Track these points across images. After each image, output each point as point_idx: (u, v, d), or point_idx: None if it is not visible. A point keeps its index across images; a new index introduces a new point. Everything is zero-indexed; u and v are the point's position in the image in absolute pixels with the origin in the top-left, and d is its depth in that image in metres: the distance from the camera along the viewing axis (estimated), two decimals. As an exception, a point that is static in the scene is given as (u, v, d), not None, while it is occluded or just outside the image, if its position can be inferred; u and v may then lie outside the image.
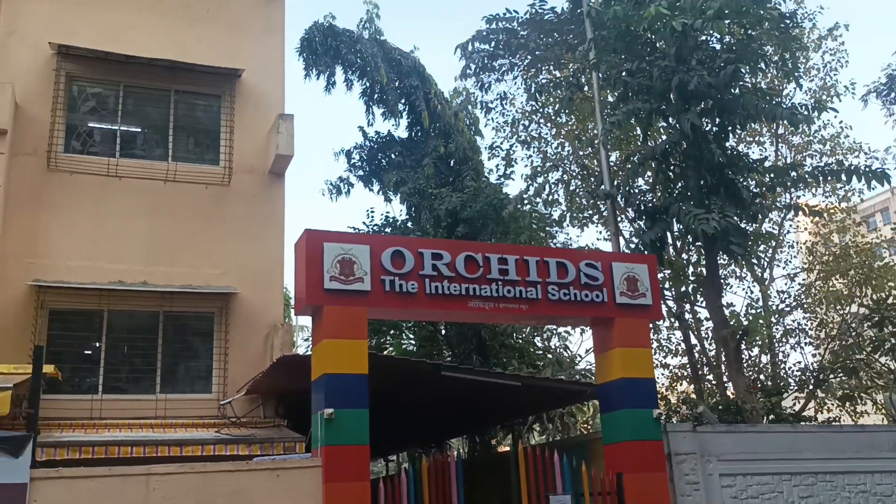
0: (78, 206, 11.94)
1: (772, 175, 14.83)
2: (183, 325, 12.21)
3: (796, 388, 18.77)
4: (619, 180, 16.03)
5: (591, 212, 20.86)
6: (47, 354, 9.46)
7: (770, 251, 21.14)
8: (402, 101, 19.10)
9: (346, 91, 19.30)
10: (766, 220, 19.56)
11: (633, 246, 17.39)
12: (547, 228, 20.27)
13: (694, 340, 19.87)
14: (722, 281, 17.95)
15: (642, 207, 15.44)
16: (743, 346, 15.52)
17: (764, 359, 20.01)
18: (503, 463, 10.32)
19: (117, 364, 11.73)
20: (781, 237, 21.41)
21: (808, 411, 18.61)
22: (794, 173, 14.84)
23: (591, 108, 17.62)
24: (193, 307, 12.11)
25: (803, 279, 21.62)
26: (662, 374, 21.10)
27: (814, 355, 20.46)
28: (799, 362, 22.28)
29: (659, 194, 15.89)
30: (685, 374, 20.96)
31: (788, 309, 20.44)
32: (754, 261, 19.15)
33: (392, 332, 20.16)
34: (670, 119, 14.32)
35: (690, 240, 15.04)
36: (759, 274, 21.00)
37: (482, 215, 17.60)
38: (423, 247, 9.44)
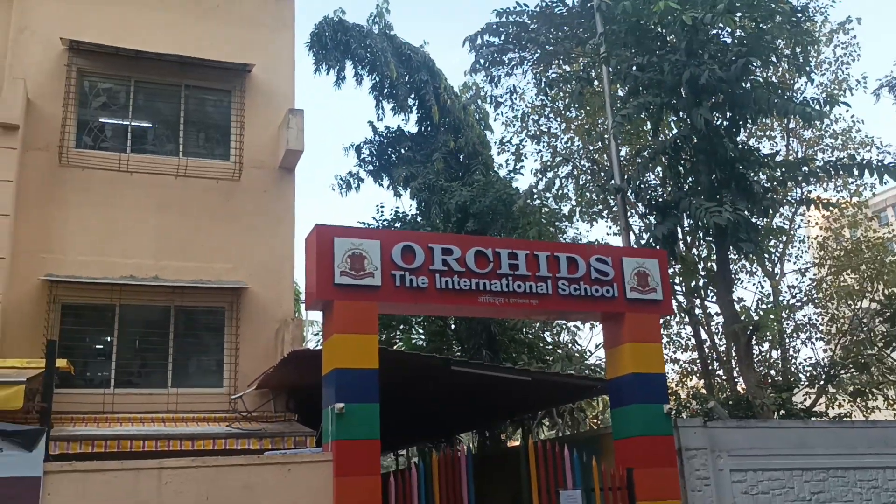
0: (90, 201, 11.98)
1: (783, 170, 14.77)
2: (194, 319, 12.25)
3: (807, 383, 18.73)
4: (630, 175, 15.99)
5: (600, 207, 20.82)
6: (60, 349, 9.54)
7: (781, 246, 21.07)
8: (412, 95, 19.10)
9: (356, 86, 19.36)
10: (777, 214, 19.48)
11: (643, 241, 17.36)
12: (556, 223, 20.25)
13: (704, 335, 19.84)
14: (733, 276, 17.89)
15: (653, 202, 15.40)
16: (754, 342, 15.48)
17: (775, 354, 19.97)
18: (513, 457, 10.31)
19: (129, 358, 11.78)
20: (792, 232, 21.33)
21: (818, 407, 18.57)
22: (805, 168, 14.78)
23: (600, 103, 17.59)
24: (204, 302, 12.15)
25: (814, 274, 21.54)
26: (672, 370, 21.10)
27: (825, 351, 20.40)
28: (810, 357, 22.32)
29: (669, 189, 15.84)
30: (695, 369, 20.94)
31: (799, 304, 20.38)
32: (765, 256, 19.08)
33: (401, 326, 20.20)
34: (681, 113, 14.27)
35: (701, 235, 14.99)
36: (770, 269, 20.93)
37: (492, 210, 17.60)
38: (434, 242, 9.45)
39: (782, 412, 13.83)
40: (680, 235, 17.14)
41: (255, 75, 13.21)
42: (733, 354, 16.80)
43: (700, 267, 17.80)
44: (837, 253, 21.13)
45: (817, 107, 13.42)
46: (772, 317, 16.36)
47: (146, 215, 12.14)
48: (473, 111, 20.01)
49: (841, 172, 14.97)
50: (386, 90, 19.18)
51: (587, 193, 20.71)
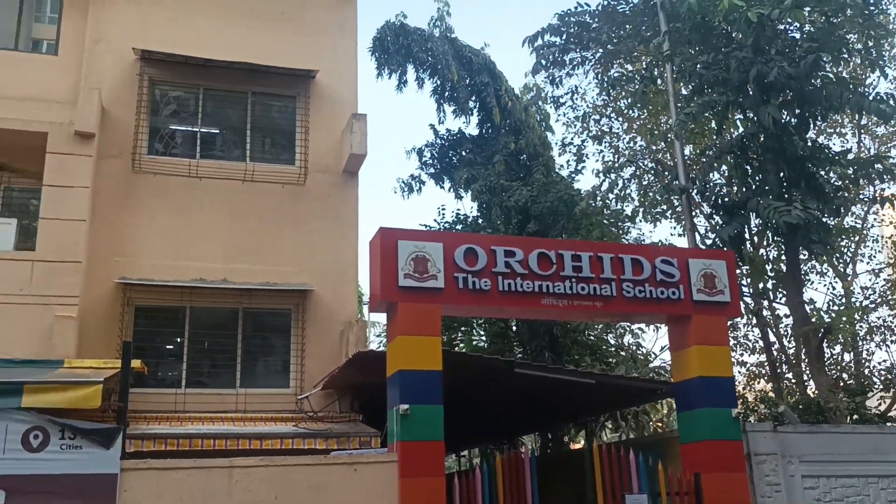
0: (161, 206, 12.33)
1: (855, 167, 14.32)
2: (261, 321, 12.51)
3: (882, 387, 18.11)
4: (695, 174, 15.73)
5: (664, 207, 20.52)
6: (134, 350, 9.80)
7: (853, 246, 20.43)
8: (473, 98, 19.14)
9: (418, 89, 19.49)
10: (849, 213, 18.91)
11: (709, 242, 17.06)
12: (619, 224, 20.04)
13: (772, 338, 19.37)
14: (803, 277, 17.43)
15: (718, 202, 15.12)
16: (825, 344, 15.06)
17: (847, 357, 19.37)
18: (576, 460, 10.26)
19: (199, 359, 12.09)
20: (865, 231, 20.66)
21: (894, 412, 17.94)
22: (878, 165, 14.30)
23: (663, 102, 17.35)
24: (271, 304, 12.39)
25: (889, 275, 20.82)
26: (739, 372, 20.64)
27: (900, 354, 19.72)
28: (884, 361, 21.52)
29: (736, 188, 15.53)
30: (763, 372, 20.45)
31: (873, 306, 19.72)
32: (837, 256, 18.54)
33: (463, 328, 20.25)
34: (748, 112, 13.97)
35: (770, 235, 14.66)
36: (842, 269, 20.32)
37: (553, 211, 17.52)
38: (496, 244, 9.46)
39: (855, 417, 13.42)
40: (747, 236, 16.80)
41: (320, 81, 13.42)
42: (803, 357, 16.35)
43: (768, 268, 17.40)
44: (913, 253, 20.40)
45: (892, 102, 12.97)
46: (844, 319, 15.88)
47: (215, 219, 12.44)
48: (534, 112, 19.95)
49: (916, 170, 14.44)
50: (447, 93, 19.27)
51: (650, 194, 20.44)
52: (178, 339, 12.12)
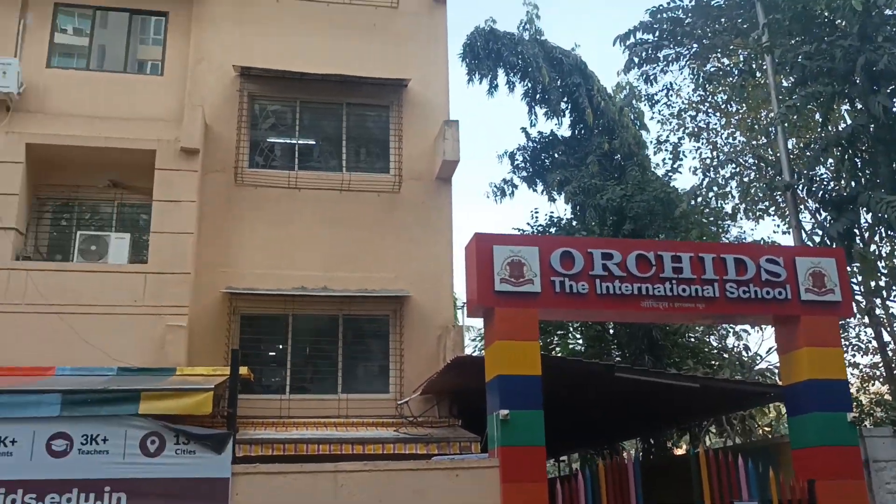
0: (262, 217, 12.71)
1: (975, 156, 13.48)
2: (360, 327, 12.72)
3: None
4: (799, 169, 15.13)
5: (766, 204, 19.82)
6: (240, 357, 10.16)
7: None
8: (565, 99, 19.00)
9: (509, 93, 19.47)
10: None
11: (816, 239, 16.38)
12: (719, 223, 19.48)
13: (887, 337, 18.41)
14: (919, 273, 16.51)
15: (826, 197, 14.50)
16: (947, 344, 14.22)
17: (971, 357, 18.23)
18: (680, 466, 10.00)
19: (302, 365, 12.40)
20: None
21: None
22: None
23: (763, 96, 16.78)
24: (370, 311, 12.59)
25: None
26: (853, 374, 19.72)
27: None
28: None
29: (844, 182, 14.86)
30: (878, 373, 19.48)
31: None
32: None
33: (559, 332, 20.06)
34: (856, 102, 13.36)
35: (882, 230, 13.95)
36: (962, 264, 19.14)
37: (649, 211, 17.17)
38: (593, 247, 9.34)
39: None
40: (857, 231, 16.05)
41: (412, 89, 13.58)
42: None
43: (881, 265, 16.56)
44: None
45: None
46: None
47: (314, 229, 12.73)
48: (628, 111, 19.63)
49: None
50: (538, 95, 19.21)
51: (752, 190, 19.78)
52: (281, 346, 12.46)
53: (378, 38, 13.91)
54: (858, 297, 17.78)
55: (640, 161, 18.74)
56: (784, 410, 10.54)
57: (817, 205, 16.04)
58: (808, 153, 15.84)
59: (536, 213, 20.00)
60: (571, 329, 20.17)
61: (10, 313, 10.88)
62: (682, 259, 9.34)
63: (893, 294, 16.76)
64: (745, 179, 19.90)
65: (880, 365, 18.72)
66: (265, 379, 12.23)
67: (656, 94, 20.01)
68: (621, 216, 17.26)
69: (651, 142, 20.55)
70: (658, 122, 21.11)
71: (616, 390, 11.47)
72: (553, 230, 19.22)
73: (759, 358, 21.18)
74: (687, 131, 20.74)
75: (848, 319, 18.06)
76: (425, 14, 14.20)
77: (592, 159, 18.10)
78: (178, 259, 11.61)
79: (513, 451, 8.30)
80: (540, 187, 19.74)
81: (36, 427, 7.76)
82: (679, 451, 20.72)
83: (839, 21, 13.35)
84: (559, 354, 18.22)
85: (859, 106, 13.13)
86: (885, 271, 16.46)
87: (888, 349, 18.25)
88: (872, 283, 16.67)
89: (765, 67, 14.99)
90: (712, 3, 16.56)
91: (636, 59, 18.12)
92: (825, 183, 15.70)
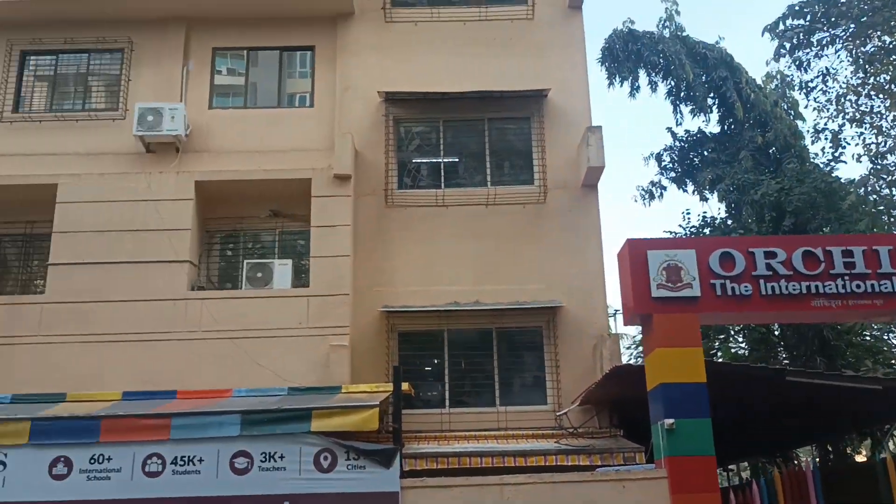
0: (412, 236, 13.02)
1: None
2: (514, 339, 12.74)
3: None
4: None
5: (945, 187, 18.29)
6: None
7: None
8: (711, 95, 18.37)
9: (651, 93, 19.04)
10: None
11: None
12: (891, 212, 18.14)
13: None
14: None
15: None
16: None
17: None
18: (864, 474, 9.35)
19: (459, 379, 12.55)
20: None
21: None
22: None
23: (934, 71, 15.52)
24: (522, 322, 12.60)
25: None
26: None
27: None
28: None
29: None
30: None
31: None
32: None
33: (719, 336, 19.29)
34: None
35: None
36: None
37: (811, 204, 16.24)
38: (754, 245, 8.95)
39: None
40: None
41: (552, 98, 13.54)
42: None
43: None
44: None
45: None
46: None
47: (463, 244, 12.91)
48: (781, 101, 18.69)
49: None
50: (682, 93, 18.68)
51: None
52: (437, 361, 12.67)
53: (515, 50, 13.98)
54: None
55: (798, 152, 17.79)
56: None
57: None
58: None
59: (688, 214, 19.36)
60: (733, 332, 19.35)
61: (188, 340, 11.66)
62: (855, 253, 8.79)
63: None
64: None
65: None
66: (425, 394, 12.47)
67: (811, 81, 18.94)
68: (780, 211, 16.41)
69: (808, 131, 19.47)
70: (814, 109, 19.97)
71: (787, 395, 10.87)
72: (707, 231, 18.55)
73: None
74: (847, 117, 19.49)
75: None
76: (561, 22, 14.14)
77: (745, 154, 17.34)
78: (338, 281, 12.07)
79: (681, 461, 8.06)
80: (690, 187, 19.13)
81: (220, 446, 8.29)
82: (859, 458, 19.37)
83: None
84: (721, 359, 17.49)
85: None
86: None
87: None
88: None
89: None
90: (868, -22, 15.56)
91: (786, 46, 17.25)
92: None
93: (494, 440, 11.24)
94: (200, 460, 8.25)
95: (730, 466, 23.23)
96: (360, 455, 8.17)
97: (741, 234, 16.94)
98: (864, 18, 16.24)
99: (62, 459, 8.50)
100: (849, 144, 19.83)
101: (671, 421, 8.10)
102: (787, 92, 19.26)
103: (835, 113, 19.45)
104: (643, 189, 19.63)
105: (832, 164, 18.32)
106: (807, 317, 10.11)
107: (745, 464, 22.37)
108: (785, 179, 16.52)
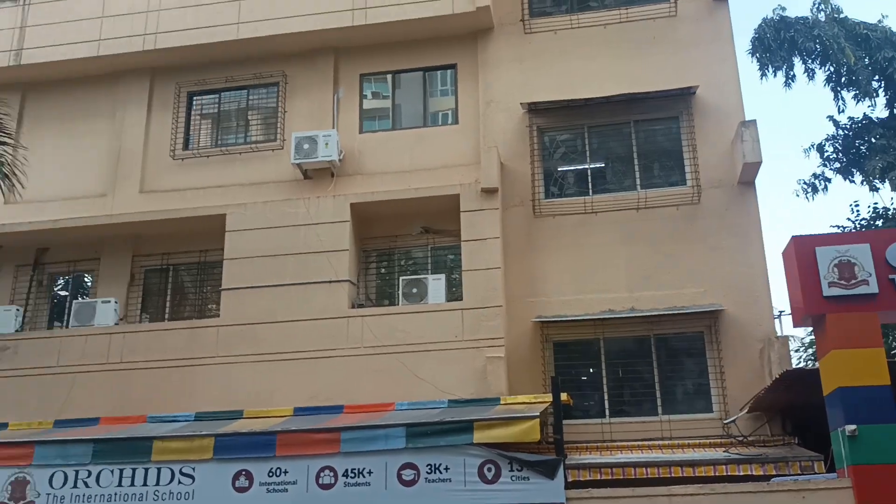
0: (562, 244, 12.93)
1: None
2: (673, 346, 12.38)
3: None
4: None
5: None
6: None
7: None
8: (876, 78, 17.20)
9: (808, 81, 18.04)
10: None
11: None
12: None
13: None
14: None
15: None
16: None
17: None
18: None
19: (618, 388, 12.32)
20: None
21: None
22: None
23: None
24: (681, 328, 12.23)
25: None
26: None
27: None
28: None
29: None
30: None
31: None
32: None
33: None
34: None
35: None
36: None
37: None
38: (937, 236, 8.29)
39: None
40: None
41: (700, 95, 13.12)
42: None
43: None
44: None
45: None
46: None
47: (614, 250, 12.69)
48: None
49: None
50: (843, 78, 17.58)
51: None
52: (593, 370, 12.51)
53: (659, 49, 13.65)
54: None
55: (984, 132, 16.35)
56: None
57: None
58: None
59: (857, 206, 18.04)
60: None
61: (351, 356, 12.10)
62: None
63: None
64: None
65: None
66: (582, 403, 12.33)
67: None
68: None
69: None
70: None
71: None
72: (880, 223, 17.31)
73: None
74: None
75: None
76: (706, 16, 13.69)
77: (919, 138, 16.13)
78: (490, 294, 12.17)
79: (866, 471, 7.57)
80: (858, 177, 17.93)
81: (387, 459, 8.55)
82: None
83: None
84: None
85: None
86: None
87: None
88: None
89: None
90: None
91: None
92: None
93: (659, 450, 10.95)
94: (370, 472, 8.53)
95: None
96: (524, 466, 8.19)
97: (919, 223, 15.71)
98: None
99: (244, 473, 9.03)
100: None
101: (853, 427, 7.61)
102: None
103: None
104: (805, 182, 18.57)
105: None
106: None
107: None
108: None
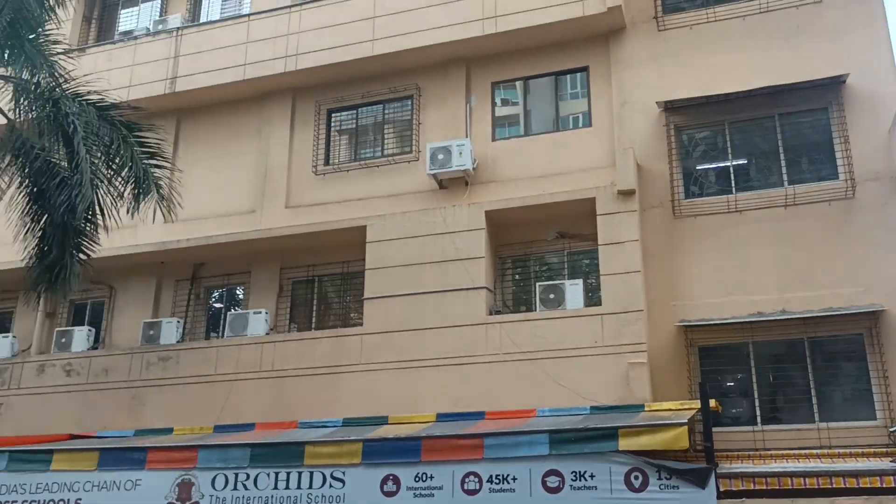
0: (704, 245, 12.50)
1: None
2: (830, 349, 11.72)
3: None
4: None
5: None
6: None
7: None
8: None
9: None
10: None
11: None
12: None
13: None
14: None
15: None
16: None
17: None
18: None
19: (769, 394, 11.79)
20: None
21: None
22: None
23: None
24: (838, 330, 11.56)
25: None
26: None
27: None
28: None
29: None
30: None
31: None
32: None
33: None
34: None
35: None
36: None
37: None
38: None
39: None
40: None
41: (851, 84, 12.38)
42: None
43: None
44: None
45: None
46: None
47: (762, 250, 12.16)
48: None
49: None
50: None
51: None
52: (741, 376, 12.02)
53: (803, 38, 12.99)
54: None
55: None
56: None
57: None
58: None
59: None
60: None
61: (491, 363, 12.17)
62: None
63: None
64: None
65: None
66: (730, 410, 11.87)
67: None
68: None
69: None
70: None
71: None
72: None
73: None
74: None
75: None
76: (856, 0, 12.90)
77: None
78: (631, 298, 11.93)
79: None
80: None
81: (531, 465, 8.56)
82: None
83: None
84: None
85: None
86: None
87: None
88: None
89: None
90: None
91: None
92: None
93: (817, 459, 10.37)
94: (514, 479, 8.56)
95: None
96: (673, 474, 7.99)
97: None
98: None
99: (391, 477, 9.28)
100: None
101: None
102: None
103: None
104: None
105: None
106: None
107: None
108: None
